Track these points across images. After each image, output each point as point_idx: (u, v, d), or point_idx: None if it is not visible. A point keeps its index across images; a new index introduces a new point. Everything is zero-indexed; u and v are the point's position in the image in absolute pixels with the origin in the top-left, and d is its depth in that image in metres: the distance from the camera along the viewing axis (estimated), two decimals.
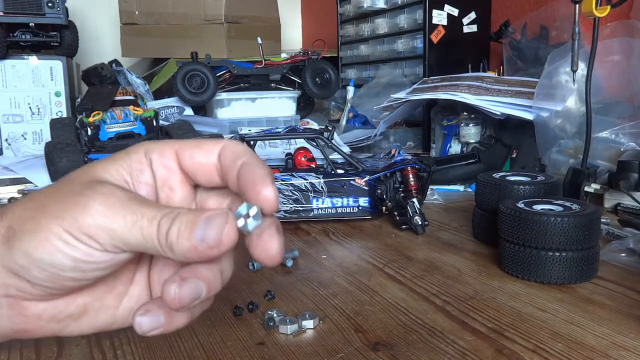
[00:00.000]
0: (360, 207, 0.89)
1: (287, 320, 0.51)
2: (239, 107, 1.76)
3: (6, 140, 1.58)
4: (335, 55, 2.12)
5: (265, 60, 1.78)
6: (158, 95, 1.92)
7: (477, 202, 0.78)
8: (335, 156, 0.97)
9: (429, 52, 1.64)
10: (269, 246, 0.26)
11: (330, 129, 0.98)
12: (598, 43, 0.88)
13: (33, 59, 1.59)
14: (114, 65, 1.87)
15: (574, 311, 0.54)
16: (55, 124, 1.35)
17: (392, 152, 0.97)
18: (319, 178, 0.88)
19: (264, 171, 0.27)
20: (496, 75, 1.36)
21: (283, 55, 1.97)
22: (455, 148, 1.34)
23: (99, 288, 0.30)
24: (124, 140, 1.27)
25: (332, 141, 0.95)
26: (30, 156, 1.53)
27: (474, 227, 0.79)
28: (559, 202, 0.65)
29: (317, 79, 1.79)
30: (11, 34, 1.57)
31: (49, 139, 1.33)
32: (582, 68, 0.94)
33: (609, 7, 0.85)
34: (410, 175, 0.89)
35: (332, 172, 0.90)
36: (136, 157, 0.29)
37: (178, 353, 0.48)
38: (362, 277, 0.65)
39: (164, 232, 0.26)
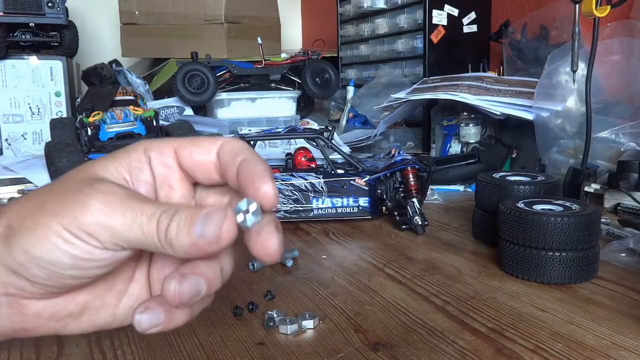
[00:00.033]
0: (360, 207, 0.89)
1: (287, 320, 0.51)
2: (239, 107, 1.76)
3: (6, 140, 1.58)
4: (335, 55, 2.12)
5: (265, 60, 1.78)
6: (158, 95, 1.92)
7: (477, 202, 0.78)
8: (335, 156, 0.97)
9: (429, 52, 1.64)
10: (268, 243, 0.26)
11: (330, 129, 0.98)
12: (598, 43, 0.88)
13: (33, 59, 1.59)
14: (114, 65, 1.87)
15: (574, 311, 0.54)
16: (55, 124, 1.35)
17: (392, 152, 0.97)
18: (319, 178, 0.88)
19: (263, 168, 0.27)
20: (496, 75, 1.36)
21: (283, 55, 1.97)
22: (455, 148, 1.34)
23: (99, 286, 0.30)
24: (124, 140, 1.27)
25: (332, 141, 0.95)
26: (30, 156, 1.53)
27: (474, 227, 0.79)
28: (559, 202, 0.65)
29: (317, 79, 1.79)
30: (11, 34, 1.57)
31: (49, 139, 1.33)
32: (582, 68, 0.94)
33: (609, 7, 0.85)
34: (410, 175, 0.89)
35: (332, 172, 0.90)
36: (135, 155, 0.29)
37: (178, 353, 0.48)
38: (362, 277, 0.65)
39: (163, 229, 0.25)
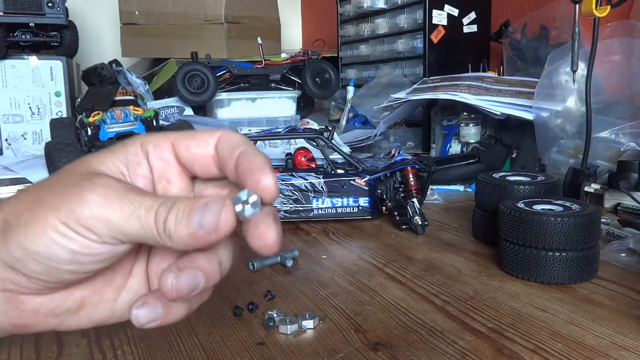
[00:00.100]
0: (360, 207, 0.89)
1: (287, 320, 0.51)
2: (239, 107, 1.76)
3: (6, 140, 1.58)
4: (335, 55, 2.12)
5: (265, 60, 1.78)
6: (158, 95, 1.92)
7: (477, 202, 0.78)
8: (335, 156, 0.97)
9: (429, 52, 1.64)
10: (266, 235, 0.26)
11: (330, 129, 0.98)
12: (598, 43, 0.88)
13: (33, 59, 1.59)
14: (114, 65, 1.87)
15: (574, 311, 0.54)
16: (55, 124, 1.35)
17: (392, 152, 0.97)
18: (319, 178, 0.88)
19: (262, 160, 0.27)
20: (496, 75, 1.36)
21: (283, 55, 1.97)
22: (455, 148, 1.34)
23: (97, 281, 0.30)
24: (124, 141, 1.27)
25: (332, 141, 0.95)
26: (30, 156, 1.53)
27: (474, 227, 0.79)
28: (559, 202, 0.65)
29: (317, 79, 1.79)
30: (11, 34, 1.57)
31: (49, 139, 1.33)
32: (582, 68, 0.94)
33: (609, 7, 0.85)
34: (410, 175, 0.89)
35: (332, 172, 0.90)
36: (132, 149, 0.29)
37: (178, 353, 0.48)
38: (362, 277, 0.65)
39: (161, 221, 0.25)
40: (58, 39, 1.65)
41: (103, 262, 0.27)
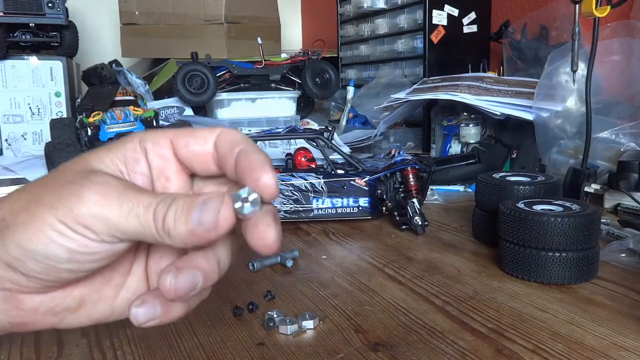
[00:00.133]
0: (360, 208, 0.89)
1: (287, 320, 0.51)
2: (239, 108, 1.76)
3: (6, 140, 1.58)
4: (335, 55, 2.12)
5: (265, 60, 1.78)
6: (158, 95, 1.92)
7: (477, 203, 0.78)
8: (335, 156, 0.97)
9: (429, 52, 1.64)
10: (265, 235, 0.26)
11: (330, 129, 0.98)
12: (598, 43, 0.88)
13: (33, 59, 1.59)
14: (114, 65, 1.87)
15: (574, 311, 0.54)
16: (55, 124, 1.35)
17: (392, 153, 0.97)
18: (319, 178, 0.88)
19: (262, 158, 0.27)
20: (496, 76, 1.36)
21: (283, 55, 1.97)
22: (455, 148, 1.34)
23: (96, 280, 0.30)
24: None
25: (332, 141, 0.95)
26: (30, 156, 1.54)
27: (474, 227, 0.79)
28: (559, 202, 0.65)
29: (317, 79, 1.80)
30: (11, 34, 1.57)
31: (49, 139, 1.33)
32: (582, 68, 0.94)
33: (609, 7, 0.85)
34: (410, 176, 0.89)
35: (332, 172, 0.90)
36: (131, 146, 0.29)
37: (178, 353, 0.48)
38: (362, 277, 0.65)
39: (160, 218, 0.25)
40: (58, 39, 1.65)
41: (102, 261, 0.27)
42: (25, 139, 1.60)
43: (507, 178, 0.75)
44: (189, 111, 1.74)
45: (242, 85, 1.81)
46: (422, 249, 0.76)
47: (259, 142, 1.00)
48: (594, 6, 0.84)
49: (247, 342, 0.49)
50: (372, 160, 1.01)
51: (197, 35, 1.96)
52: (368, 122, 1.76)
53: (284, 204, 0.88)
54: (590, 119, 0.91)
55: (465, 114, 1.28)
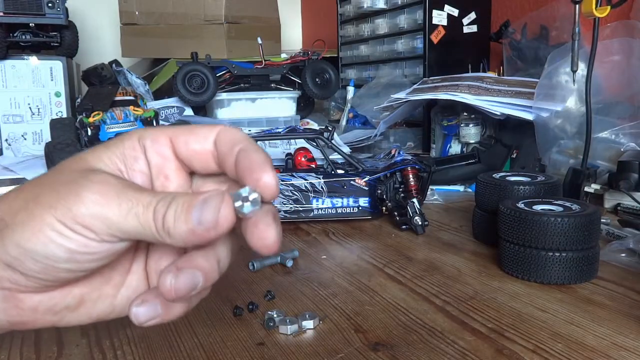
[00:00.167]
0: (360, 207, 0.89)
1: (287, 320, 0.51)
2: (239, 108, 1.76)
3: (6, 140, 1.58)
4: (335, 55, 2.12)
5: (265, 60, 1.78)
6: (158, 95, 1.92)
7: (477, 203, 0.78)
8: (335, 156, 0.97)
9: (429, 52, 1.64)
10: (265, 235, 0.26)
11: (330, 129, 0.98)
12: (598, 43, 0.88)
13: (33, 59, 1.59)
14: (114, 65, 1.87)
15: (574, 311, 0.54)
16: (55, 124, 1.35)
17: (392, 153, 0.97)
18: (319, 178, 0.88)
19: (262, 157, 0.27)
20: (496, 76, 1.36)
21: (283, 55, 1.97)
22: (455, 148, 1.34)
23: (95, 279, 0.29)
24: None
25: (332, 141, 0.95)
26: (30, 156, 1.54)
27: (474, 227, 0.79)
28: (559, 202, 0.65)
29: (317, 79, 1.80)
30: (11, 34, 1.57)
31: (49, 139, 1.33)
32: (582, 68, 0.94)
33: (609, 7, 0.85)
34: (410, 176, 0.89)
35: (332, 172, 0.90)
36: (129, 144, 0.29)
37: (178, 353, 0.48)
38: (362, 277, 0.65)
39: (160, 217, 0.25)
40: (58, 39, 1.65)
41: (101, 260, 0.27)
42: (25, 139, 1.60)
43: (507, 178, 0.75)
44: (189, 111, 1.74)
45: (242, 85, 1.81)
46: (422, 249, 0.76)
47: (259, 142, 1.00)
48: (594, 6, 0.84)
49: (247, 342, 0.49)
50: (372, 160, 1.01)
51: (197, 35, 1.96)
52: (368, 122, 1.76)
53: (284, 204, 0.88)
54: (590, 119, 0.91)
55: (465, 114, 1.28)
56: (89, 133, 1.27)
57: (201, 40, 1.94)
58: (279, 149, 1.31)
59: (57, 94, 1.62)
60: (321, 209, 0.89)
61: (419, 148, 1.61)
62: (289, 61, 1.82)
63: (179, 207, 0.25)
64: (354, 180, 0.88)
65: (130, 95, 1.39)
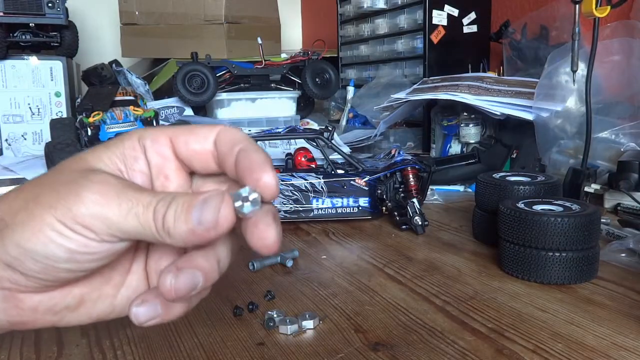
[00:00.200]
0: (360, 207, 0.89)
1: (287, 320, 0.51)
2: (239, 108, 1.76)
3: (6, 140, 1.58)
4: (335, 55, 2.12)
5: (265, 60, 1.78)
6: (158, 95, 1.92)
7: (477, 203, 0.78)
8: (335, 156, 0.97)
9: (429, 52, 1.64)
10: (265, 235, 0.26)
11: (330, 129, 0.98)
12: (598, 43, 0.88)
13: (33, 59, 1.59)
14: (114, 65, 1.87)
15: (574, 311, 0.54)
16: (55, 124, 1.35)
17: (392, 153, 0.97)
18: (319, 178, 0.88)
19: (262, 157, 0.27)
20: (496, 76, 1.36)
21: (283, 55, 1.97)
22: (455, 148, 1.34)
23: (95, 279, 0.29)
24: None
25: (332, 141, 0.95)
26: (30, 156, 1.54)
27: (474, 227, 0.79)
28: (559, 202, 0.65)
29: (317, 79, 1.80)
30: (11, 34, 1.57)
31: (49, 139, 1.33)
32: (582, 68, 0.94)
33: (609, 7, 0.85)
34: (410, 176, 0.89)
35: (332, 172, 0.90)
36: (129, 143, 0.29)
37: (178, 353, 0.48)
38: (362, 277, 0.65)
39: (160, 217, 0.25)
40: (58, 39, 1.65)
41: (101, 260, 0.27)
42: (25, 139, 1.60)
43: (507, 178, 0.75)
44: (189, 111, 1.74)
45: (242, 85, 1.81)
46: (422, 249, 0.76)
47: (259, 142, 1.00)
48: (594, 6, 0.84)
49: (247, 342, 0.49)
50: (372, 160, 1.01)
51: (197, 35, 1.96)
52: (368, 122, 1.76)
53: (284, 204, 0.88)
54: (590, 119, 0.91)
55: (465, 114, 1.28)
56: (89, 133, 1.27)
57: (201, 40, 1.94)
58: (279, 149, 1.31)
59: (57, 94, 1.62)
60: (321, 209, 0.89)
61: (419, 148, 1.61)
62: (289, 61, 1.82)
63: (179, 207, 0.25)
64: (354, 180, 0.88)
65: (130, 95, 1.39)
